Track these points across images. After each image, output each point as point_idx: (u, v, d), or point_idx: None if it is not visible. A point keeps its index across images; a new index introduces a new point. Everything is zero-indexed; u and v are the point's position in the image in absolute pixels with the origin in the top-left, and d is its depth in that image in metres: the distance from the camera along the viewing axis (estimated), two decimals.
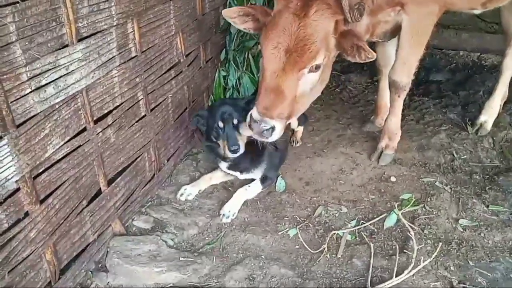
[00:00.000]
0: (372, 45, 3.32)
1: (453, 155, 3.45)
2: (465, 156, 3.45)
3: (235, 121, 2.77)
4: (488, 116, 3.71)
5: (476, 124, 3.72)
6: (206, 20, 3.36)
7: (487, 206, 2.90)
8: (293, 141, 3.57)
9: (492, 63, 5.00)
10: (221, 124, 2.77)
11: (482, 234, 2.69)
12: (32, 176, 1.92)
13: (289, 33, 2.30)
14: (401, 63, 2.92)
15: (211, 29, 3.49)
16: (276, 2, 2.45)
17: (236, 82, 3.75)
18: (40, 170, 1.97)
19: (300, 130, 3.65)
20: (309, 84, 2.48)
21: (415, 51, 2.86)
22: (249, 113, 2.52)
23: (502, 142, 3.63)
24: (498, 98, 3.70)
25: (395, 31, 2.88)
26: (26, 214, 1.92)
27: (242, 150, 2.77)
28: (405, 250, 2.55)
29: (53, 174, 2.04)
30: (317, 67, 2.41)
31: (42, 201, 2.00)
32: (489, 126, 3.70)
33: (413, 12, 2.68)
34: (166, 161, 3.10)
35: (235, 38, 3.68)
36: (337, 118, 4.03)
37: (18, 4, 1.68)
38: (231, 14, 2.57)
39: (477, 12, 3.24)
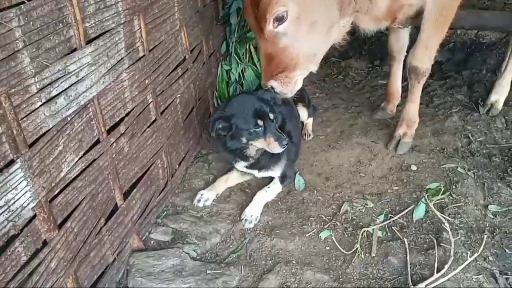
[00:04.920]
0: (385, 30, 3.19)
1: (468, 138, 3.38)
2: (480, 138, 3.38)
3: (271, 116, 2.55)
4: (499, 95, 3.65)
5: (487, 104, 3.67)
6: (207, 11, 3.13)
7: None
8: (305, 134, 3.42)
9: (491, 40, 4.92)
10: (260, 123, 2.52)
11: None
12: (48, 199, 1.70)
13: (249, 5, 2.41)
14: (423, 48, 2.76)
15: (212, 21, 3.26)
16: None
17: (239, 75, 3.54)
18: (56, 192, 1.74)
19: (310, 122, 3.50)
20: (285, 35, 2.38)
21: (438, 34, 2.71)
22: None
23: None
24: (508, 77, 3.63)
25: (417, 16, 2.71)
26: (45, 242, 1.70)
27: None
28: (441, 244, 2.45)
29: (70, 195, 1.82)
30: (279, 19, 2.31)
31: (60, 226, 1.78)
32: (500, 105, 3.65)
33: None
34: (177, 165, 2.88)
35: (236, 29, 3.45)
36: (345, 107, 3.89)
37: (23, 5, 1.44)
38: None
39: None
